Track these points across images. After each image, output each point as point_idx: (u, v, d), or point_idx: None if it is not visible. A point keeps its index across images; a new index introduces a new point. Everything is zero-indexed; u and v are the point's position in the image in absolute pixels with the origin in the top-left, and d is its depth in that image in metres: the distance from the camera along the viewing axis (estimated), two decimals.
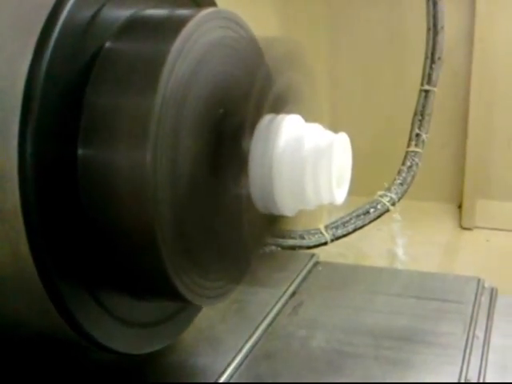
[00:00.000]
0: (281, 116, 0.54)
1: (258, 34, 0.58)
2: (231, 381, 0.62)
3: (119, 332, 0.53)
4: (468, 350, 0.66)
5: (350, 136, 0.55)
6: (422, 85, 1.09)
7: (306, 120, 0.55)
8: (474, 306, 0.73)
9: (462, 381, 0.62)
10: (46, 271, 0.45)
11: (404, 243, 1.18)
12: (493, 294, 0.77)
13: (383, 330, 0.70)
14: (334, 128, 0.55)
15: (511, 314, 0.73)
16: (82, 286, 0.49)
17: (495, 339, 0.69)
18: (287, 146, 0.52)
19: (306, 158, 0.51)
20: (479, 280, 0.79)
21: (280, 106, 0.55)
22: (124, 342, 0.54)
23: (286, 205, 0.53)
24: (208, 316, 0.68)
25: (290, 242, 0.92)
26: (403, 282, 0.81)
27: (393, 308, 0.75)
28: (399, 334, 0.70)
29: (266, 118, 0.53)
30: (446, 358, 0.65)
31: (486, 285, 0.78)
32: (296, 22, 1.21)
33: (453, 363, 0.64)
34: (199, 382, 0.63)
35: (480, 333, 0.69)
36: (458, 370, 0.63)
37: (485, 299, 0.76)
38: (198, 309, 0.64)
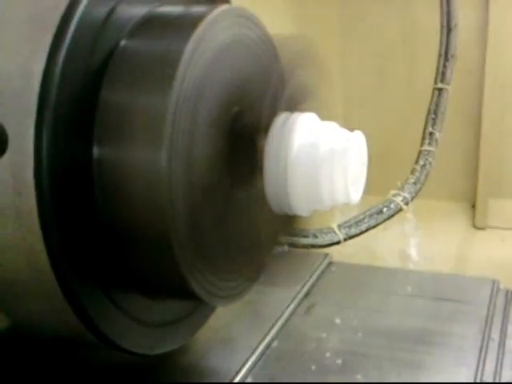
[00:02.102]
0: (295, 114, 0.53)
1: (271, 32, 0.58)
2: (246, 381, 0.62)
3: (134, 332, 0.53)
4: (483, 352, 0.65)
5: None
6: (435, 83, 1.08)
7: (321, 118, 0.55)
8: (489, 308, 0.73)
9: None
10: (63, 273, 0.45)
11: (417, 243, 1.17)
12: (508, 296, 0.76)
13: (397, 331, 0.70)
14: (347, 126, 0.54)
15: None
16: (98, 287, 0.49)
17: (511, 341, 0.68)
18: (302, 145, 0.51)
19: (322, 157, 0.51)
20: (494, 282, 0.78)
21: (294, 103, 0.55)
22: (138, 342, 0.53)
23: (301, 205, 0.52)
24: (222, 316, 0.68)
25: (303, 240, 0.91)
26: (416, 282, 0.81)
27: (406, 309, 0.74)
28: (413, 335, 0.69)
29: (281, 117, 0.53)
30: (460, 359, 0.65)
31: (502, 287, 0.78)
32: (308, 19, 1.20)
33: (468, 365, 0.64)
34: (212, 382, 0.63)
35: (495, 335, 0.69)
36: (473, 372, 0.63)
37: (500, 301, 0.75)
38: (212, 309, 0.64)
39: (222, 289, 0.55)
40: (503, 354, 0.66)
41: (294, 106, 0.54)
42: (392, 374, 0.63)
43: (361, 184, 0.55)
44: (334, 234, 0.95)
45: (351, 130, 0.54)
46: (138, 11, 0.50)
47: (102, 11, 0.47)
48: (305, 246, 0.90)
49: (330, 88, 0.62)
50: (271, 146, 0.51)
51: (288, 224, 0.58)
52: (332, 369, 0.65)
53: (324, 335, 0.69)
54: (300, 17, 1.17)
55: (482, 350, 0.66)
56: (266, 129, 0.52)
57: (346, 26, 1.33)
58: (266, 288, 0.73)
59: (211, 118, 0.49)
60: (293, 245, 0.89)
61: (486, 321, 0.71)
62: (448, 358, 0.65)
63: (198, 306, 0.60)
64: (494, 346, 0.67)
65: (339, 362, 0.65)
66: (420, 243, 1.14)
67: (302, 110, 0.54)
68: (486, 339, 0.67)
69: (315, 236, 0.93)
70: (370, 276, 0.83)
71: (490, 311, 0.72)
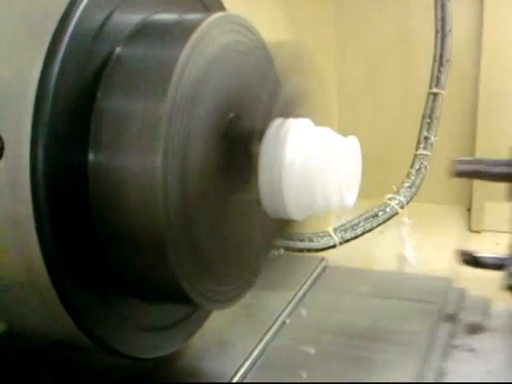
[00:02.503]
0: (290, 120, 0.54)
1: (266, 37, 0.58)
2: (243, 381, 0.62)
3: (130, 336, 0.53)
4: (429, 349, 0.65)
5: (358, 139, 0.55)
6: (430, 87, 1.08)
7: (316, 123, 0.55)
8: (439, 306, 0.74)
9: (419, 379, 0.62)
10: (59, 277, 0.45)
11: (412, 246, 1.18)
12: (461, 294, 0.77)
13: (346, 329, 0.71)
14: (342, 131, 0.55)
15: (478, 313, 0.73)
16: (94, 291, 0.49)
17: (458, 340, 0.68)
18: (296, 150, 0.52)
19: (316, 163, 0.51)
20: (448, 280, 0.79)
21: (290, 109, 0.55)
22: (135, 345, 0.54)
23: (296, 209, 0.53)
24: (218, 320, 0.68)
25: (299, 244, 0.92)
26: (371, 281, 0.82)
27: (359, 308, 0.75)
28: (362, 333, 0.70)
29: (276, 123, 0.53)
30: (407, 357, 0.65)
31: (455, 285, 0.79)
32: (303, 25, 1.21)
33: (414, 362, 0.64)
34: (212, 382, 0.63)
35: (444, 332, 0.69)
36: (418, 369, 0.63)
37: (452, 299, 0.76)
38: (208, 313, 0.64)
39: (218, 293, 0.55)
40: (449, 351, 0.66)
41: (289, 112, 0.55)
42: (337, 371, 0.64)
43: (355, 188, 0.55)
44: (329, 238, 0.95)
45: (346, 135, 0.54)
46: (134, 18, 0.51)
47: (97, 18, 0.47)
48: (300, 250, 0.91)
49: (324, 93, 0.63)
50: (266, 151, 0.52)
51: (283, 228, 0.59)
52: (276, 364, 0.65)
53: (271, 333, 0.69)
54: (295, 22, 1.18)
55: (430, 347, 0.66)
56: (260, 134, 0.53)
57: (340, 32, 1.34)
58: (261, 292, 0.73)
59: (206, 124, 0.50)
60: (289, 248, 0.90)
61: (436, 318, 0.71)
62: (394, 356, 0.65)
63: (193, 310, 0.60)
64: (441, 344, 0.67)
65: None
66: (416, 247, 1.15)
67: (297, 116, 0.55)
68: (433, 337, 0.68)
69: (311, 240, 0.93)
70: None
71: (440, 309, 0.73)
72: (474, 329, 0.69)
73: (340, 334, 0.70)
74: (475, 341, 0.67)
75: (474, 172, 0.49)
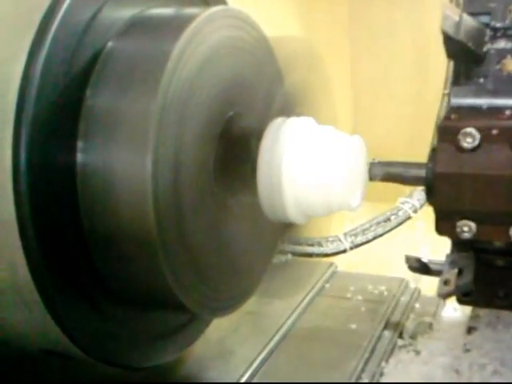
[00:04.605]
0: (291, 119, 0.51)
1: (276, 35, 0.56)
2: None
3: (122, 345, 0.51)
4: (370, 350, 0.65)
5: (371, 140, 0.53)
6: (444, 88, 1.05)
7: (319, 122, 0.53)
8: (389, 306, 0.73)
9: (357, 379, 0.61)
10: (43, 283, 0.43)
11: (426, 251, 1.14)
12: (414, 294, 0.76)
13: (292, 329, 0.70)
14: (356, 131, 0.52)
15: (430, 313, 0.72)
16: (83, 299, 0.47)
17: (404, 341, 0.67)
18: (296, 151, 0.49)
19: (316, 163, 0.48)
20: (403, 280, 0.78)
21: (291, 107, 0.53)
22: (127, 355, 0.51)
23: (296, 212, 0.50)
24: (221, 327, 0.66)
25: (308, 249, 0.90)
26: (329, 280, 0.81)
27: (310, 308, 0.74)
28: (306, 333, 0.69)
29: (276, 121, 0.51)
30: (348, 355, 0.64)
31: (410, 285, 0.78)
32: (317, 24, 1.19)
33: (355, 360, 0.63)
34: (215, 382, 0.62)
35: (389, 331, 0.68)
36: (355, 368, 0.62)
37: (405, 299, 0.75)
38: (209, 320, 0.62)
39: (216, 300, 0.53)
40: (392, 350, 0.65)
41: (290, 110, 0.52)
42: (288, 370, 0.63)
43: (360, 190, 0.52)
44: (339, 243, 0.92)
45: (360, 134, 0.52)
46: (127, 13, 0.49)
47: (86, 12, 0.45)
48: (309, 255, 0.88)
49: (332, 90, 0.60)
50: (265, 152, 0.49)
51: (285, 232, 0.56)
52: None
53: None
54: (308, 21, 1.16)
55: (369, 345, 0.65)
56: (260, 134, 0.50)
57: (354, 31, 1.32)
58: (266, 299, 0.71)
59: (202, 121, 0.47)
60: (297, 253, 0.87)
61: (383, 318, 0.70)
62: (336, 354, 0.64)
63: (193, 318, 0.58)
64: (384, 344, 0.66)
65: None
66: (430, 252, 1.11)
67: (300, 114, 0.52)
68: (377, 337, 0.67)
69: (320, 244, 0.91)
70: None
71: (389, 309, 0.72)
72: (422, 330, 0.68)
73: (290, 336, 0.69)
74: (420, 343, 0.66)
75: (386, 175, 0.48)
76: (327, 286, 0.80)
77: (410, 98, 1.31)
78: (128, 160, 0.43)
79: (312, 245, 0.90)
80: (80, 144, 0.44)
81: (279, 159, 0.49)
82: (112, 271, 0.47)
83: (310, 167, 0.49)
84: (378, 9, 1.30)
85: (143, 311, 0.52)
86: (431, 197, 0.48)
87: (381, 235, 0.95)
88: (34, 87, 0.41)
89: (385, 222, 0.97)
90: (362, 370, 0.61)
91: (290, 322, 0.70)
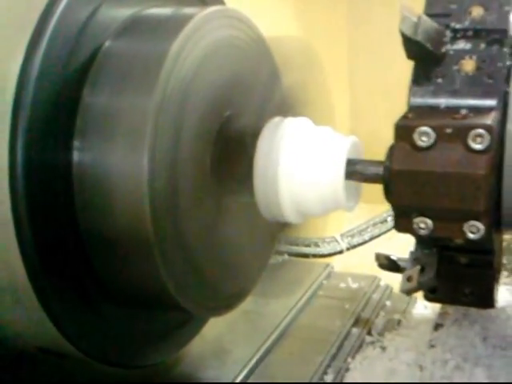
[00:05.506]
0: (287, 119, 0.51)
1: (274, 35, 0.56)
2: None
3: (118, 344, 0.51)
4: (337, 344, 0.65)
5: (369, 142, 0.53)
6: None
7: (316, 122, 0.53)
8: (360, 303, 0.73)
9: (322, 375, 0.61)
10: (40, 283, 0.43)
11: None
12: (386, 292, 0.76)
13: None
14: (353, 132, 0.52)
15: (398, 311, 0.72)
16: (79, 298, 0.47)
17: (372, 337, 0.67)
18: (293, 151, 0.49)
19: (312, 164, 0.49)
20: (375, 278, 0.78)
21: (288, 107, 0.53)
22: (123, 353, 0.51)
23: (292, 212, 0.50)
24: (217, 326, 0.66)
25: (305, 249, 0.90)
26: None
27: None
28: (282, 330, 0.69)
29: (273, 122, 0.51)
30: (313, 353, 0.64)
31: (382, 283, 0.78)
32: (315, 25, 1.19)
33: (321, 356, 0.63)
34: (213, 382, 0.61)
35: (358, 329, 0.68)
36: (319, 365, 0.62)
37: (376, 297, 0.75)
38: (206, 319, 0.62)
39: (213, 299, 0.53)
40: (359, 347, 0.65)
41: (287, 110, 0.53)
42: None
43: (356, 191, 0.52)
44: (336, 244, 0.93)
45: (357, 135, 0.52)
46: (125, 12, 0.49)
47: (83, 11, 0.45)
48: (305, 255, 0.88)
49: (329, 91, 0.60)
50: (261, 151, 0.50)
51: (281, 232, 0.56)
52: None
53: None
54: (306, 21, 1.16)
55: (336, 342, 0.65)
56: (257, 133, 0.50)
57: (352, 31, 1.32)
58: (263, 299, 0.71)
59: (199, 121, 0.48)
60: (293, 254, 0.87)
61: (352, 315, 0.71)
62: (303, 351, 0.65)
63: (190, 317, 0.58)
64: (352, 340, 0.66)
65: None
66: None
67: (296, 114, 0.52)
68: (345, 334, 0.67)
69: (317, 245, 0.91)
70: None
71: (359, 306, 0.73)
72: (390, 327, 0.68)
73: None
74: (388, 339, 0.66)
75: (350, 173, 0.48)
76: (323, 285, 0.80)
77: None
78: (125, 159, 0.43)
79: (308, 245, 0.90)
80: (77, 143, 0.44)
81: (276, 159, 0.49)
82: (108, 270, 0.47)
83: (307, 167, 0.49)
84: (377, 9, 1.31)
85: (140, 310, 0.52)
86: (389, 194, 0.49)
87: (377, 236, 0.95)
88: (31, 86, 0.41)
89: (381, 223, 0.97)
90: (328, 366, 0.62)
91: (286, 321, 0.70)
